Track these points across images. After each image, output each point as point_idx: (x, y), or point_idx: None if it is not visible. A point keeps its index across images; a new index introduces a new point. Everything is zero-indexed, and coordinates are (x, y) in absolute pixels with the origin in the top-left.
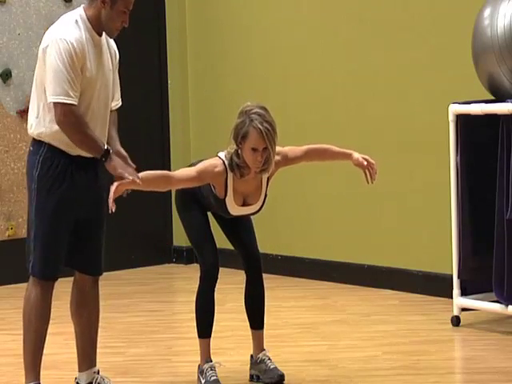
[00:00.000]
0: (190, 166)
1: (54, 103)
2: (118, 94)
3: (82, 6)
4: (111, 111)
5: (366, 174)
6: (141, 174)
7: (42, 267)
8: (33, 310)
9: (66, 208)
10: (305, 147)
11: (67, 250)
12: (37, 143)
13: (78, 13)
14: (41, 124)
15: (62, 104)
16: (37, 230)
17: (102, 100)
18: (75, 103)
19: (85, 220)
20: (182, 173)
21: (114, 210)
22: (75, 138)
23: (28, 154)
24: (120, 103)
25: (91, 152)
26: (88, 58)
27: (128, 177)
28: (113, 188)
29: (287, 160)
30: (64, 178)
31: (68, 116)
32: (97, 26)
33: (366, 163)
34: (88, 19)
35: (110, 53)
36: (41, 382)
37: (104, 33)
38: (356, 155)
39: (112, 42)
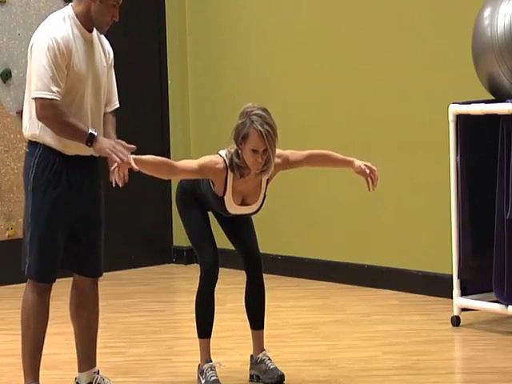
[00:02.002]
0: None
1: (35, 98)
2: (115, 96)
3: (71, 4)
4: (109, 113)
5: (367, 182)
6: (144, 157)
7: (38, 269)
8: (31, 313)
9: (61, 209)
10: (306, 152)
11: (65, 251)
12: (32, 144)
13: (66, 10)
14: (34, 125)
15: (41, 98)
16: (33, 231)
17: (95, 96)
18: (56, 98)
19: (82, 221)
20: (185, 164)
21: (120, 185)
22: (56, 129)
23: (24, 156)
24: (117, 104)
25: (75, 139)
26: (76, 54)
27: (116, 159)
28: (111, 169)
29: (288, 163)
30: (60, 179)
31: (45, 109)
32: (86, 22)
33: (367, 171)
34: (77, 16)
35: (103, 50)
36: (39, 382)
37: (95, 30)
38: (358, 163)
39: (105, 41)
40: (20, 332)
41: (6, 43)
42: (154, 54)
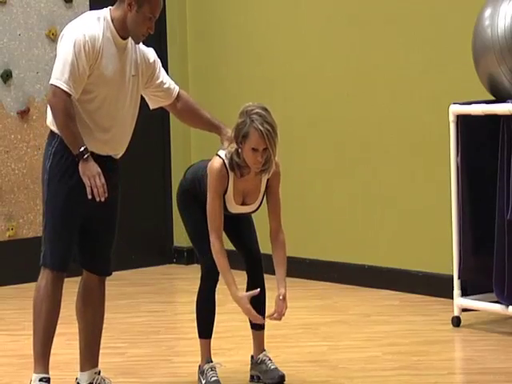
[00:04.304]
0: (189, 168)
1: (51, 85)
2: (171, 85)
3: (110, 7)
4: (180, 94)
5: (273, 312)
6: (225, 275)
7: (52, 257)
8: (43, 301)
9: (75, 200)
10: (278, 212)
11: (78, 248)
12: (51, 135)
13: (103, 12)
14: None
15: (57, 87)
16: (47, 220)
17: (120, 102)
18: (71, 93)
19: (95, 220)
20: (211, 214)
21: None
22: (58, 123)
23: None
24: (175, 87)
25: (68, 145)
26: (103, 55)
27: (88, 192)
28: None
29: (271, 182)
30: (74, 171)
31: (57, 98)
32: (121, 28)
33: (279, 308)
34: (112, 20)
35: (137, 58)
36: (49, 373)
37: (130, 38)
38: (282, 292)
39: (145, 49)
40: (21, 332)
41: (6, 44)
42: None
